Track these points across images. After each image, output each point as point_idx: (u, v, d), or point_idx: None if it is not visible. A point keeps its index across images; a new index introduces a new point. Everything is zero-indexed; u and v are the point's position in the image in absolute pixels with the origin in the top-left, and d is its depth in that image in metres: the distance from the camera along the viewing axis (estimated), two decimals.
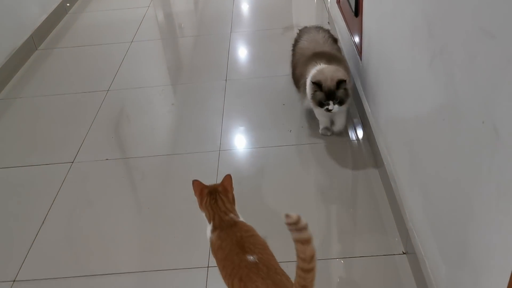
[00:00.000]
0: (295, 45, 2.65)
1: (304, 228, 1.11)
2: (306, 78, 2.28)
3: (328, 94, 2.16)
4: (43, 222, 2.10)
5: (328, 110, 2.18)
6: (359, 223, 1.97)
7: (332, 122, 2.46)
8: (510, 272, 0.98)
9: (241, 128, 2.60)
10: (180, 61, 3.46)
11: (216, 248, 1.47)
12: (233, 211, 1.54)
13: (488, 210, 1.10)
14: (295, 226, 1.10)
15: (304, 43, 2.55)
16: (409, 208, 1.79)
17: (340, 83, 2.16)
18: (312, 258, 1.12)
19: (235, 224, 1.49)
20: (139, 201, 2.20)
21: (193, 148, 2.47)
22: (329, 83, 2.16)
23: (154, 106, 2.90)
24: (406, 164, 1.79)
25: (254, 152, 2.43)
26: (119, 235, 2.02)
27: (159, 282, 1.81)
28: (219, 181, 1.58)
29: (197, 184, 1.56)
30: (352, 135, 2.46)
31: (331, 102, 2.16)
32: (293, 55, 2.62)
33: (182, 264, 1.85)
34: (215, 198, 1.52)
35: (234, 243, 1.42)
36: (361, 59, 2.52)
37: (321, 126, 2.46)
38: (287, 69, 2.72)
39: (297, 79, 2.46)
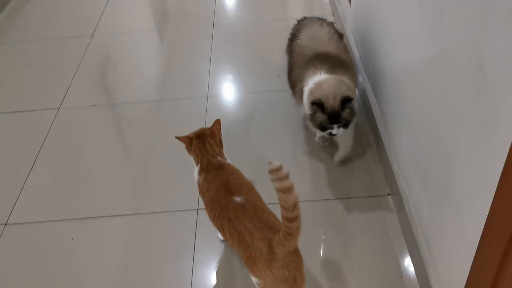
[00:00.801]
0: (292, 40, 2.17)
1: (285, 177, 1.11)
2: (303, 86, 1.86)
3: (332, 116, 1.72)
4: (32, 167, 2.11)
5: (331, 135, 1.78)
6: (345, 166, 2.00)
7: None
8: (489, 208, 1.02)
9: (229, 74, 2.58)
10: (166, 5, 3.37)
11: (204, 190, 1.50)
12: (221, 154, 1.56)
13: (471, 148, 1.13)
14: (277, 174, 1.10)
15: (304, 39, 2.06)
16: (395, 150, 1.83)
17: (346, 102, 1.72)
18: (294, 206, 1.13)
19: (222, 167, 1.51)
20: (127, 146, 2.20)
21: (181, 94, 2.45)
22: (332, 103, 1.71)
23: (140, 51, 2.85)
24: (393, 105, 1.81)
25: (243, 97, 2.43)
26: (109, 179, 2.04)
27: (151, 224, 1.84)
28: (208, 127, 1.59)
29: (182, 138, 1.56)
30: None
31: (335, 126, 1.74)
32: (290, 53, 2.13)
33: (172, 207, 1.89)
34: (203, 141, 1.53)
35: (221, 185, 1.45)
36: (350, 3, 2.48)
37: (318, 134, 2.08)
38: (276, 14, 2.67)
39: (293, 83, 2.00)
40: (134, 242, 1.78)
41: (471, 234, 1.12)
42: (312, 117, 1.77)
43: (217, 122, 1.56)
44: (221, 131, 1.59)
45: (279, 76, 2.43)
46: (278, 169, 1.10)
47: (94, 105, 2.43)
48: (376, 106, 2.06)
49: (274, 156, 2.04)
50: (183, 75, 2.58)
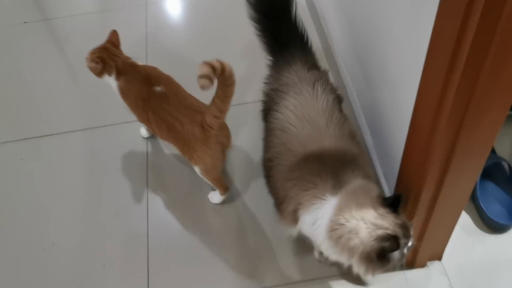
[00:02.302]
0: (269, 106, 1.43)
1: (221, 69, 1.17)
2: (300, 212, 1.21)
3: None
4: None
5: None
6: None
7: None
8: (417, 88, 1.06)
9: None
10: None
11: (126, 92, 1.50)
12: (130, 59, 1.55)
13: (402, 26, 1.14)
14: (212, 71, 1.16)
15: (289, 117, 1.32)
16: (339, 46, 1.84)
17: (387, 241, 1.07)
18: (231, 74, 1.21)
19: (138, 66, 1.52)
20: (68, 62, 2.12)
21: (117, 3, 2.33)
22: (368, 250, 1.09)
23: None
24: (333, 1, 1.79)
25: (184, 3, 2.33)
26: (54, 98, 1.98)
27: (102, 138, 1.83)
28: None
29: (92, 60, 1.48)
30: None
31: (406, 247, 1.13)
32: (268, 129, 1.41)
33: (122, 119, 1.87)
34: (111, 52, 1.50)
35: (140, 81, 1.47)
36: None
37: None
38: None
39: (277, 194, 1.32)
40: (86, 157, 1.78)
41: (405, 112, 1.17)
42: (385, 263, 1.10)
43: (114, 33, 1.53)
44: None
45: None
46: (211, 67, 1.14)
47: (25, 22, 2.29)
48: (319, 2, 2.03)
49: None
50: None
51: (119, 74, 1.49)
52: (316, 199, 1.16)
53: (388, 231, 1.07)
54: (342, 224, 1.10)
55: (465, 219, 1.52)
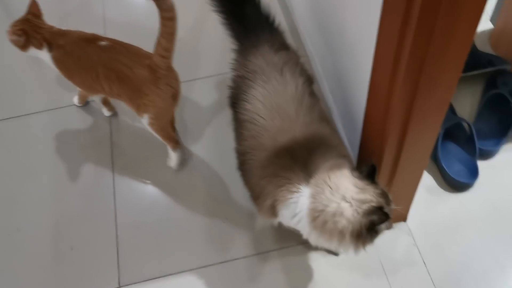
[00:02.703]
0: (236, 95, 1.38)
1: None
2: (278, 206, 1.18)
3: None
4: None
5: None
6: None
7: None
8: (373, 50, 1.06)
9: None
10: None
11: (64, 60, 1.47)
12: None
13: None
14: None
15: (257, 108, 1.28)
16: (300, 13, 1.82)
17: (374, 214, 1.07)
18: (171, 7, 1.24)
19: (67, 31, 1.48)
20: None
21: None
22: (358, 227, 1.08)
23: None
24: None
25: None
26: (14, 79, 1.92)
27: (66, 118, 1.79)
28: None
29: (13, 34, 1.43)
30: None
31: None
32: (237, 120, 1.36)
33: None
34: (33, 23, 1.44)
35: (80, 42, 1.44)
36: None
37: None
38: None
39: (251, 189, 1.29)
40: (49, 139, 1.74)
41: (364, 76, 1.18)
42: (375, 235, 1.10)
43: (34, 4, 1.47)
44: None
45: None
46: None
47: None
48: None
49: None
50: None
51: (50, 45, 1.45)
52: (291, 193, 1.14)
53: (373, 204, 1.07)
54: (322, 210, 1.09)
55: (428, 180, 1.56)
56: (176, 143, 1.59)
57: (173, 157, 1.61)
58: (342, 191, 1.08)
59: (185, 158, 1.64)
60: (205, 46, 1.96)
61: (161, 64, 1.35)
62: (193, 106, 1.79)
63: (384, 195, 1.10)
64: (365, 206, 1.06)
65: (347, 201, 1.07)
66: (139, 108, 1.43)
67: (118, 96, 1.47)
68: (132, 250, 1.48)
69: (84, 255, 1.48)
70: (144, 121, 1.46)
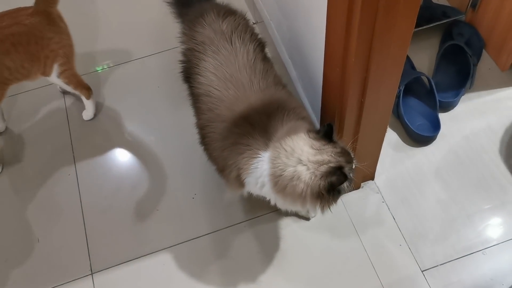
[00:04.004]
0: (188, 68, 1.35)
1: None
2: (243, 176, 1.16)
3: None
4: None
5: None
6: None
7: None
8: (325, 11, 1.04)
9: None
10: None
11: None
12: None
13: None
14: None
15: (211, 80, 1.25)
16: None
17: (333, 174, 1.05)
18: None
19: None
20: None
21: None
22: (316, 190, 1.06)
23: None
24: None
25: None
26: None
27: (20, 104, 1.72)
28: None
29: None
30: None
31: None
32: (193, 94, 1.33)
33: (37, 84, 1.75)
34: None
35: None
36: None
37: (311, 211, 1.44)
38: None
39: (215, 162, 1.27)
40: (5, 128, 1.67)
41: (319, 38, 1.15)
42: (337, 195, 1.10)
43: None
44: None
45: None
46: None
47: None
48: None
49: None
50: None
51: None
52: (252, 159, 1.12)
53: (331, 164, 1.04)
54: (280, 175, 1.07)
55: (392, 137, 1.57)
56: (88, 89, 1.59)
57: (89, 107, 1.62)
58: (298, 154, 1.06)
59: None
60: (148, 24, 1.90)
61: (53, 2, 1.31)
62: (146, 86, 1.74)
63: (344, 153, 1.08)
64: (323, 168, 1.05)
65: (303, 164, 1.05)
66: (46, 62, 1.39)
67: (22, 69, 1.39)
68: (101, 235, 1.45)
69: (52, 246, 1.44)
70: (55, 76, 1.44)
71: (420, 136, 1.53)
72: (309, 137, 1.08)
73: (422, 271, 1.34)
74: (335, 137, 1.10)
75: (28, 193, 1.54)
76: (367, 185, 1.49)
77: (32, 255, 1.43)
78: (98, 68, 1.80)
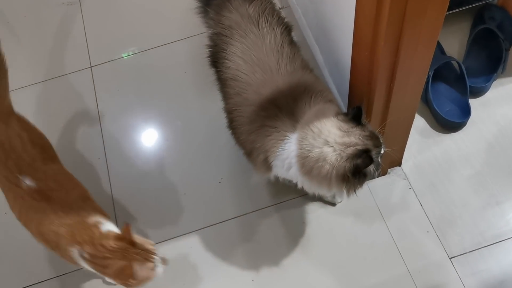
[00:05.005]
0: (216, 53, 1.34)
1: None
2: (270, 159, 1.16)
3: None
4: None
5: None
6: None
7: None
8: None
9: None
10: None
11: None
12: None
13: None
14: None
15: (238, 65, 1.25)
16: None
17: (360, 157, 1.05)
18: None
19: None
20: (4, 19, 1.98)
21: None
22: (342, 172, 1.06)
23: None
24: None
25: None
26: None
27: (53, 90, 1.76)
28: None
29: None
30: None
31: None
32: (220, 79, 1.33)
33: (70, 69, 1.79)
34: None
35: None
36: None
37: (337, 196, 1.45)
38: None
39: (245, 146, 1.26)
40: (38, 113, 1.70)
41: (347, 22, 1.14)
42: (363, 179, 1.08)
43: None
44: None
45: None
46: None
47: None
48: None
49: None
50: None
51: None
52: (279, 142, 1.12)
53: (358, 147, 1.04)
54: (307, 156, 1.07)
55: (420, 123, 1.55)
56: None
57: None
58: (325, 135, 1.05)
59: None
60: (174, 9, 1.89)
61: None
62: (173, 71, 1.75)
63: (372, 137, 1.07)
64: (350, 150, 1.04)
65: (330, 146, 1.05)
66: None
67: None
68: (129, 219, 1.48)
69: None
70: None
71: (449, 122, 1.50)
72: (338, 119, 1.08)
73: (450, 258, 1.33)
74: (364, 120, 1.09)
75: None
76: (394, 171, 1.48)
77: None
78: (124, 55, 1.82)
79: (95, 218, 1.15)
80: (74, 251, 1.11)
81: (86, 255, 1.10)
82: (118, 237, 1.11)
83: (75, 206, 1.17)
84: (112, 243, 1.09)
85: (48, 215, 1.13)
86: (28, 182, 1.15)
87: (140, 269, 1.07)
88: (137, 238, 1.13)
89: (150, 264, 1.09)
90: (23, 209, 1.17)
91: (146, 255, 1.09)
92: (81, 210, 1.16)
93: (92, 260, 1.10)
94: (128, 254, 1.08)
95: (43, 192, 1.16)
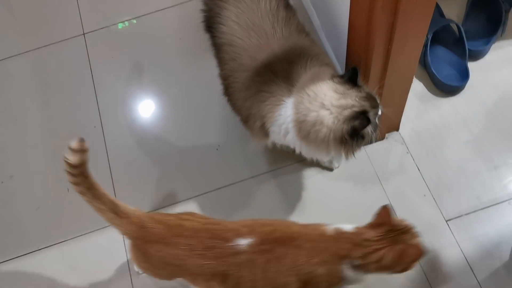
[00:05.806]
0: (210, 18, 1.32)
1: None
2: (267, 125, 1.15)
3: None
4: None
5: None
6: None
7: None
8: None
9: None
10: None
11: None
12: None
13: None
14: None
15: (234, 29, 1.23)
16: None
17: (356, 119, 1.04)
18: None
19: None
20: None
21: None
22: (339, 134, 1.05)
23: None
24: None
25: None
26: None
27: (46, 57, 1.73)
28: None
29: None
30: None
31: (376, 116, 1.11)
32: (215, 44, 1.31)
33: (61, 37, 1.76)
34: None
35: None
36: None
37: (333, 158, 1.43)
38: None
39: (240, 111, 1.25)
40: (32, 81, 1.68)
41: None
42: (361, 140, 1.08)
43: None
44: None
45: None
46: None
47: None
48: None
49: None
50: None
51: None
52: (276, 107, 1.10)
53: (355, 109, 1.02)
54: (303, 121, 1.05)
55: (418, 87, 1.53)
56: None
57: None
58: (321, 98, 1.04)
59: None
60: None
61: None
62: (168, 38, 1.72)
63: (369, 98, 1.05)
64: (346, 112, 1.03)
65: (326, 109, 1.04)
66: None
67: None
68: (127, 187, 1.48)
69: (81, 199, 1.48)
70: None
71: (448, 86, 1.49)
72: (333, 81, 1.06)
73: (446, 221, 1.34)
74: (360, 81, 1.07)
75: (56, 145, 1.57)
76: (392, 136, 1.47)
77: (63, 203, 1.47)
78: (117, 23, 1.78)
79: (329, 227, 1.06)
80: (344, 267, 1.01)
81: (357, 261, 1.01)
82: (373, 226, 1.02)
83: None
84: (373, 234, 1.00)
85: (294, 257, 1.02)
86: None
87: (413, 246, 1.00)
88: (393, 218, 1.02)
89: (418, 239, 1.02)
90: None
91: (411, 232, 1.02)
92: (310, 229, 1.07)
93: (365, 261, 1.00)
94: (398, 236, 0.99)
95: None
